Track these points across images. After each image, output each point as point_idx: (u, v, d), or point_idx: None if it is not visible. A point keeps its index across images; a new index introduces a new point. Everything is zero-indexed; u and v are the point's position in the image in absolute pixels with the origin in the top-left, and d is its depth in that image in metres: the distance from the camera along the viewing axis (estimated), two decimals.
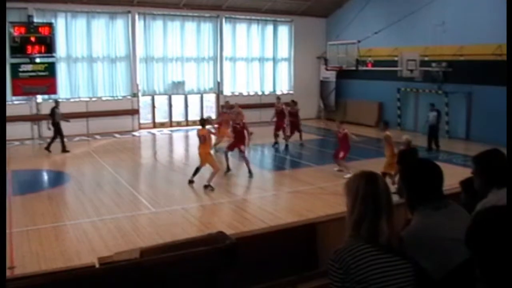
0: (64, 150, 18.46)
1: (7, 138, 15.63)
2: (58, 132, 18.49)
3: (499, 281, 1.94)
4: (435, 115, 18.86)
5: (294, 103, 19.98)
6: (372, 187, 2.67)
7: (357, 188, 2.71)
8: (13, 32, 20.31)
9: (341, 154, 14.68)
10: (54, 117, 18.50)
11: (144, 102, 25.12)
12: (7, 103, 20.16)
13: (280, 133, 19.45)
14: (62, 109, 21.86)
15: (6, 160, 15.29)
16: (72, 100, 22.90)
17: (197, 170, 13.55)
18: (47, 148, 18.42)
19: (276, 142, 19.46)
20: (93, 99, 23.26)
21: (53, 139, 18.50)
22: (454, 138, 20.83)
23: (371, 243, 2.59)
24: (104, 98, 23.54)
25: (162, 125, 25.27)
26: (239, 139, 14.98)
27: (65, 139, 18.66)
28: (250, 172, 14.72)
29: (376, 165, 12.95)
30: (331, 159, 16.82)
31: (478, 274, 2.09)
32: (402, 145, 12.06)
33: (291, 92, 28.34)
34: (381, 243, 2.59)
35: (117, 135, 22.21)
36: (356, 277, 2.55)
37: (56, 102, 19.24)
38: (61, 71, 22.55)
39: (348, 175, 13.39)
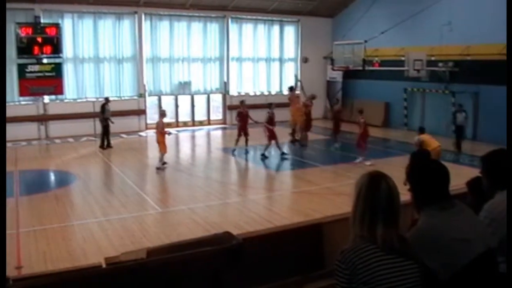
0: (102, 146, 19.26)
1: (14, 139, 15.69)
2: (105, 128, 19.28)
3: None
4: (464, 116, 18.70)
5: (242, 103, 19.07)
6: (373, 188, 2.67)
7: (360, 187, 2.71)
8: (20, 32, 20.39)
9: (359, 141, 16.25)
10: (104, 113, 19.21)
11: (150, 102, 25.18)
12: (14, 103, 20.31)
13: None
14: (70, 110, 22.05)
15: (13, 161, 15.38)
16: (79, 100, 22.98)
17: None
18: (108, 145, 19.29)
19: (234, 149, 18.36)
20: (100, 99, 23.28)
21: (106, 136, 19.33)
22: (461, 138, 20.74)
23: (375, 244, 2.59)
24: (110, 99, 23.55)
25: (168, 125, 25.18)
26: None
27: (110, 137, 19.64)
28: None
29: (384, 165, 12.97)
30: (337, 159, 16.84)
31: None
32: (414, 146, 12.05)
33: (297, 92, 28.27)
34: (381, 244, 2.59)
35: (123, 135, 22.28)
36: (362, 278, 2.55)
37: (107, 99, 19.65)
38: (68, 71, 22.64)
39: (358, 160, 15.58)
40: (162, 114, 15.97)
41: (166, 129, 15.79)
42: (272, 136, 17.39)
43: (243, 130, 18.14)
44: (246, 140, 18.19)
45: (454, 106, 21.19)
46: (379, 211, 2.63)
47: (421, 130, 14.32)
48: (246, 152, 18.28)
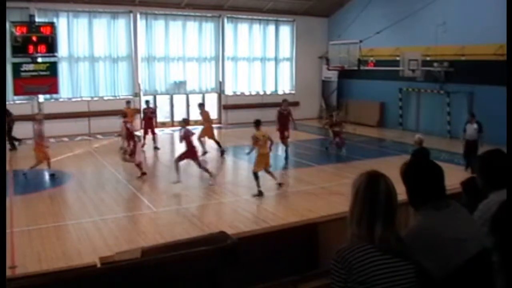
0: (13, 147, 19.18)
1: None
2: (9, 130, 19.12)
3: None
4: (476, 128, 14.95)
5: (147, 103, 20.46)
6: (372, 188, 2.66)
7: (358, 187, 2.70)
8: (15, 31, 20.32)
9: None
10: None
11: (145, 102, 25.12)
12: (8, 102, 20.21)
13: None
14: (65, 109, 21.98)
15: (8, 160, 15.27)
16: (73, 99, 22.94)
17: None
18: (14, 147, 19.11)
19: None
20: (95, 98, 23.31)
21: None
22: (456, 138, 20.81)
23: (372, 244, 2.59)
24: (105, 98, 23.58)
25: (163, 124, 25.26)
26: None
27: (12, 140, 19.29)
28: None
29: (378, 165, 12.95)
30: (334, 159, 16.85)
31: (498, 262, 2.10)
32: (414, 144, 12.09)
33: (292, 92, 28.40)
34: (379, 244, 2.58)
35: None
36: (358, 278, 2.54)
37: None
38: (63, 70, 22.59)
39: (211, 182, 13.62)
40: (39, 120, 14.71)
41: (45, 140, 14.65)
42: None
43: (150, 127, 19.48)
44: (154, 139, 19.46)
45: (448, 106, 21.24)
46: (378, 211, 2.62)
47: (257, 124, 13.15)
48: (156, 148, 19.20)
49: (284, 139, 17.31)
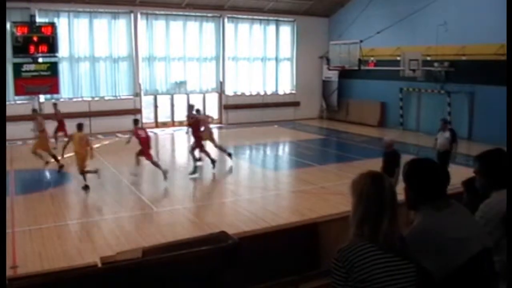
0: None
1: (9, 138, 15.49)
2: None
3: None
4: (448, 137, 12.91)
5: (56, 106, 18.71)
6: (377, 187, 2.67)
7: (362, 187, 2.70)
8: (16, 32, 20.35)
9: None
10: None
11: (146, 101, 25.16)
12: (9, 102, 20.22)
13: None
14: (65, 109, 21.96)
15: (9, 160, 15.26)
16: (74, 99, 22.95)
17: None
18: None
19: None
20: (96, 98, 23.33)
21: None
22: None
23: (374, 243, 2.59)
24: (106, 98, 23.59)
25: (164, 124, 25.29)
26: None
27: None
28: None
29: (379, 165, 12.94)
30: (333, 158, 16.83)
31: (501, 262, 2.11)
32: (386, 147, 10.95)
33: (293, 92, 28.40)
34: (383, 242, 2.59)
35: (119, 135, 22.20)
36: (359, 276, 2.55)
37: None
38: (64, 70, 22.61)
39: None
40: None
41: None
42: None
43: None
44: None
45: (449, 106, 21.21)
46: (385, 210, 2.63)
47: (79, 127, 13.58)
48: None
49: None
